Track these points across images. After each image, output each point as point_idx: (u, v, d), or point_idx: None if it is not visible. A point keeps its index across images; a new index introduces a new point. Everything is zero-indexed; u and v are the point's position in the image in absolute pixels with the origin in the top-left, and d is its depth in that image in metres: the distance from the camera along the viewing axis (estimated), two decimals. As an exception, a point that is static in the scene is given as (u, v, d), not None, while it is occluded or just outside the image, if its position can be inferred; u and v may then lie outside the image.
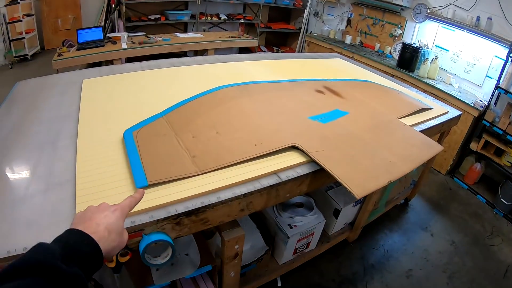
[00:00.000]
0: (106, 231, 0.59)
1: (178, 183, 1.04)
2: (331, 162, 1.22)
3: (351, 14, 4.68)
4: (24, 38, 4.71)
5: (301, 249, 1.84)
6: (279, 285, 1.93)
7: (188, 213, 0.97)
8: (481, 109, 3.03)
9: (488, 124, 3.01)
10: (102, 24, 4.65)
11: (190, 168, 1.09)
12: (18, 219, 0.91)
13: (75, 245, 0.54)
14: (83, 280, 0.50)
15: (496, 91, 2.96)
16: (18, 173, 1.11)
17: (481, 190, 3.18)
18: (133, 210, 0.91)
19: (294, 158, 1.26)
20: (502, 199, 2.90)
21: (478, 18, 3.24)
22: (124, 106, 1.58)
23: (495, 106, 3.11)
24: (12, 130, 1.35)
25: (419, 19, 3.79)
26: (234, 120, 1.43)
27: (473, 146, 3.14)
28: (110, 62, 3.51)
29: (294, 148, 1.30)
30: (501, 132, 2.89)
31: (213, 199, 1.01)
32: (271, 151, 1.23)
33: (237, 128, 1.36)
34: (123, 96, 1.69)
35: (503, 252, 2.51)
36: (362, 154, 1.35)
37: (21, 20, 4.57)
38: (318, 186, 1.36)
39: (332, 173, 1.16)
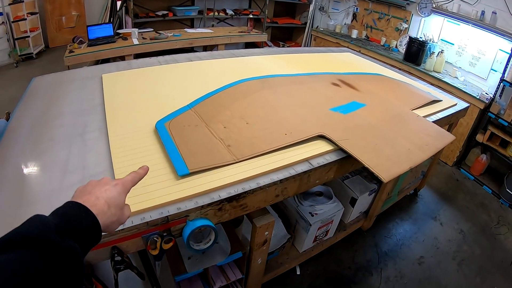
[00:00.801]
0: (105, 205, 0.57)
1: (218, 170, 1.10)
2: (357, 150, 1.28)
3: (357, 8, 4.72)
4: (28, 36, 4.71)
5: (321, 237, 1.90)
6: (298, 273, 1.99)
7: (230, 199, 1.03)
8: (487, 101, 3.09)
9: (493, 116, 3.07)
10: (107, 20, 4.66)
11: (227, 156, 1.14)
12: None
13: (73, 217, 0.52)
14: (78, 255, 0.48)
15: (502, 83, 3.02)
16: (50, 165, 1.12)
17: (487, 181, 3.25)
18: (179, 197, 0.98)
19: (322, 146, 1.32)
20: (507, 190, 2.96)
21: (483, 13, 3.28)
22: (148, 99, 1.63)
23: (500, 98, 3.16)
24: (36, 124, 1.37)
25: (425, 13, 3.83)
26: (261, 111, 1.48)
27: (479, 138, 3.20)
28: (118, 59, 3.53)
29: (321, 137, 1.36)
30: (506, 124, 2.95)
31: (253, 185, 1.07)
32: (300, 140, 1.29)
33: (265, 119, 1.42)
34: (145, 90, 1.74)
35: (509, 241, 2.58)
36: (383, 143, 1.42)
37: (25, 19, 4.56)
38: (343, 173, 1.42)
39: (359, 160, 1.22)
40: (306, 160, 1.23)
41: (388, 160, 1.30)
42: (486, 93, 3.18)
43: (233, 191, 1.04)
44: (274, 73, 2.09)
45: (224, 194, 1.02)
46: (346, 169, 1.40)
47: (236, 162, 1.13)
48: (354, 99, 1.81)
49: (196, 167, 1.07)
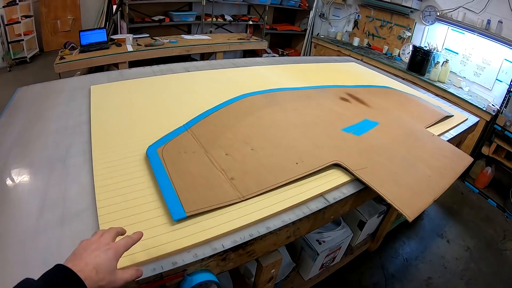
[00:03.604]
0: (93, 271, 0.60)
1: (220, 212, 0.94)
2: (376, 181, 1.16)
3: (358, 15, 4.62)
4: (23, 40, 4.58)
5: (327, 264, 1.77)
6: (302, 300, 1.86)
7: (235, 248, 0.88)
8: (493, 113, 3.00)
9: (499, 128, 2.98)
10: (102, 25, 4.51)
11: (230, 193, 0.99)
12: (32, 257, 0.78)
13: (60, 284, 0.56)
14: None
15: (508, 95, 2.93)
16: (27, 199, 0.97)
17: (492, 194, 3.16)
18: (174, 248, 0.83)
19: (338, 177, 1.18)
20: (513, 203, 2.88)
21: (488, 21, 3.21)
22: (141, 116, 1.47)
23: (506, 109, 3.08)
24: (15, 144, 1.22)
25: (429, 21, 3.74)
26: (267, 133, 1.34)
27: (485, 150, 3.12)
28: (113, 66, 3.38)
29: (336, 165, 1.23)
30: (512, 136, 2.86)
31: (262, 230, 0.92)
32: (314, 170, 1.15)
33: (273, 143, 1.28)
34: (138, 105, 1.58)
35: (515, 256, 2.49)
36: (402, 169, 1.31)
37: (19, 22, 4.45)
38: (359, 204, 1.29)
39: (381, 195, 1.10)
40: (321, 195, 1.09)
41: (409, 190, 1.20)
42: (492, 104, 3.09)
43: (239, 239, 0.88)
44: (278, 86, 1.96)
45: (228, 243, 0.87)
46: (363, 200, 1.27)
47: (241, 200, 0.98)
48: (366, 116, 1.69)
49: (195, 208, 0.91)
